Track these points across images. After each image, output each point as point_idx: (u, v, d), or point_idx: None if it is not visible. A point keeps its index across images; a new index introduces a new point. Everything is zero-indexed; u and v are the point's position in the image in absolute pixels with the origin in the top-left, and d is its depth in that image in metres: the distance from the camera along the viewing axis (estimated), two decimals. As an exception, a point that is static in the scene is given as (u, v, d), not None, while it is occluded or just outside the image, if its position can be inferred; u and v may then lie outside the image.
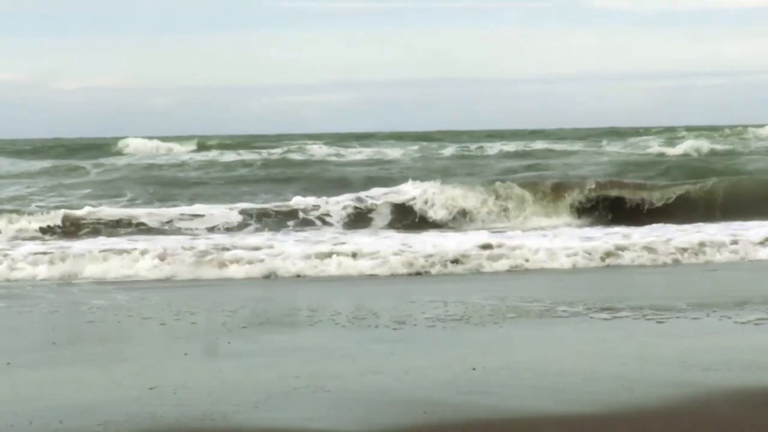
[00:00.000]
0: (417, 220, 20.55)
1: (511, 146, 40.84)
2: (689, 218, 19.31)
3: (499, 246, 14.84)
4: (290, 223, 19.76)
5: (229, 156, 37.23)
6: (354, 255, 14.41)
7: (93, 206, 19.99)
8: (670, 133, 51.02)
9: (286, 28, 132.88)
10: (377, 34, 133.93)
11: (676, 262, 14.62)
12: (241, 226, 19.32)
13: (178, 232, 18.57)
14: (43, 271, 13.94)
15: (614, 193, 22.01)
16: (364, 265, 14.08)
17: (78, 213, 19.23)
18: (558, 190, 21.80)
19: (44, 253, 14.66)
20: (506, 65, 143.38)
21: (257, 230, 18.97)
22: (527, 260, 14.32)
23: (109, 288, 12.93)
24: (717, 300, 10.67)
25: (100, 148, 45.16)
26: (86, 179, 28.80)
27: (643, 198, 21.97)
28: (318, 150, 40.12)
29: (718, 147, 36.92)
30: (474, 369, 7.46)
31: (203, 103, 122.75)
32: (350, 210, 20.47)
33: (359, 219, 20.33)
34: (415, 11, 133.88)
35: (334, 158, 36.81)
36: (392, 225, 20.19)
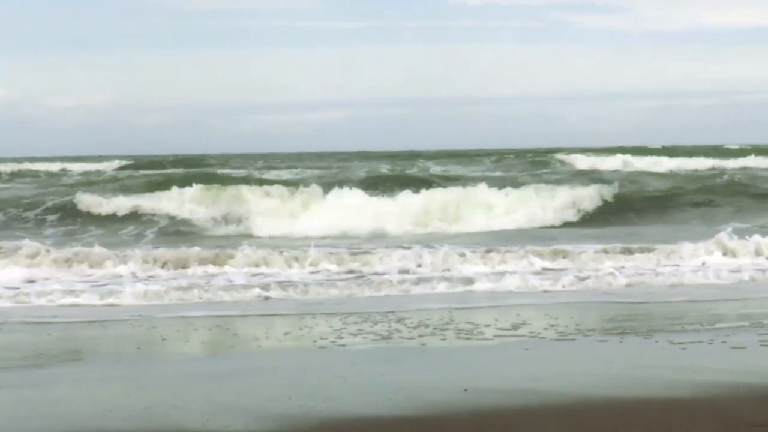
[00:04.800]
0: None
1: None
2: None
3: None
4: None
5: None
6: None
7: None
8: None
9: (279, 47, 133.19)
10: (371, 54, 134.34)
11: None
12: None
13: None
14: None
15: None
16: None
17: None
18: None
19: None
20: (500, 84, 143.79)
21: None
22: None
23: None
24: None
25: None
26: None
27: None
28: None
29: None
30: (466, 390, 7.46)
31: (193, 121, 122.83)
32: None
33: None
34: (409, 30, 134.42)
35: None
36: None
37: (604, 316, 12.03)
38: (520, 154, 49.20)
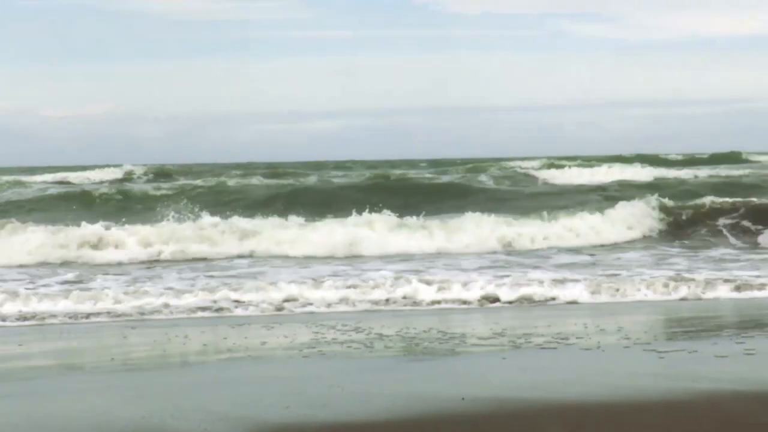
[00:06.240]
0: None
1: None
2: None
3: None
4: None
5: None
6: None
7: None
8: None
9: (278, 57, 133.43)
10: (369, 63, 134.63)
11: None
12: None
13: None
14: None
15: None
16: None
17: None
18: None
19: None
20: (498, 93, 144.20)
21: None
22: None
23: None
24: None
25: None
26: None
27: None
28: None
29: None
30: (463, 399, 7.45)
31: (194, 130, 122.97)
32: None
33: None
34: (408, 39, 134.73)
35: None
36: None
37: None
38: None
